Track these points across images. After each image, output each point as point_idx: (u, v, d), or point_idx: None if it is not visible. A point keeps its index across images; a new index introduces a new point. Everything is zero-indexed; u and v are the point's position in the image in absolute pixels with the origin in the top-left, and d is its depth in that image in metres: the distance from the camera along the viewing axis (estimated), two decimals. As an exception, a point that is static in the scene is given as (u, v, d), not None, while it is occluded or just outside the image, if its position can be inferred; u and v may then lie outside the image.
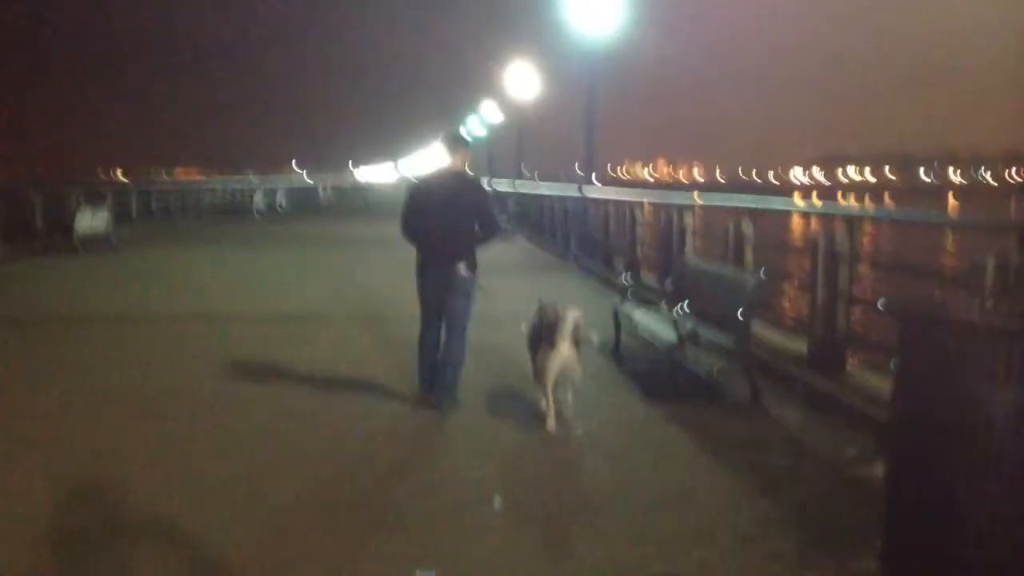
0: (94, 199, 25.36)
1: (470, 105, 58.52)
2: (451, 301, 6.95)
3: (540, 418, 6.65)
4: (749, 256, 9.37)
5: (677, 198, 13.42)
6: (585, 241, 18.71)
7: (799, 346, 8.05)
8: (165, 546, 4.59)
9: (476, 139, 53.52)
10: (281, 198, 46.75)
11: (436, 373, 7.08)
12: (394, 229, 7.36)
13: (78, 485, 5.44)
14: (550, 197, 25.15)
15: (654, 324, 8.09)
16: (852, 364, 7.33)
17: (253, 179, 58.15)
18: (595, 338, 6.94)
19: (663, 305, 8.78)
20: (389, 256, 10.91)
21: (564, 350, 6.57)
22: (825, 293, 7.40)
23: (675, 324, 7.48)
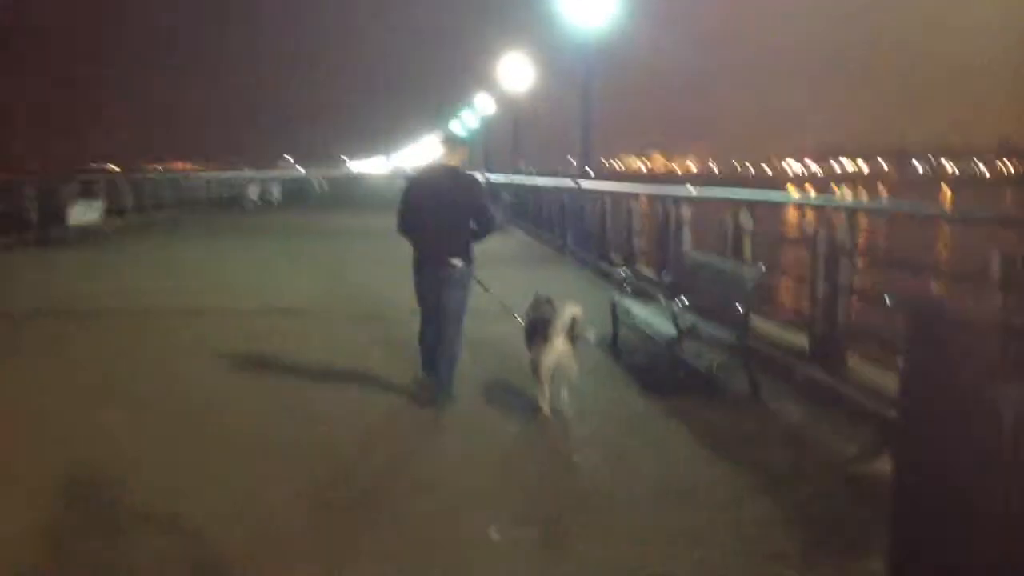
0: (87, 191, 25.25)
1: (463, 98, 58.50)
2: (446, 293, 6.92)
3: (537, 412, 6.64)
4: (748, 249, 9.29)
5: (673, 190, 13.32)
6: (582, 234, 18.61)
7: (799, 340, 7.98)
8: (159, 543, 4.49)
9: (470, 133, 53.49)
10: (275, 190, 46.63)
11: (436, 370, 7.05)
12: (387, 221, 7.37)
13: (70, 480, 5.35)
14: (546, 189, 25.07)
15: (652, 318, 8.02)
16: (853, 358, 7.24)
17: (247, 171, 58.05)
18: (592, 335, 6.88)
19: (661, 298, 8.70)
20: (382, 248, 10.86)
21: (559, 345, 6.55)
22: (826, 286, 7.32)
23: (674, 318, 7.40)
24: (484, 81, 47.27)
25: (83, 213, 21.62)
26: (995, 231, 7.83)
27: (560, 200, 21.69)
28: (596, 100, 20.85)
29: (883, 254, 9.97)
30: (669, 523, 4.71)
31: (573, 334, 6.63)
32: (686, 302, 7.70)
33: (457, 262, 6.88)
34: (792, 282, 11.72)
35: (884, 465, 5.26)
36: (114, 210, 26.55)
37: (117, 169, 65.15)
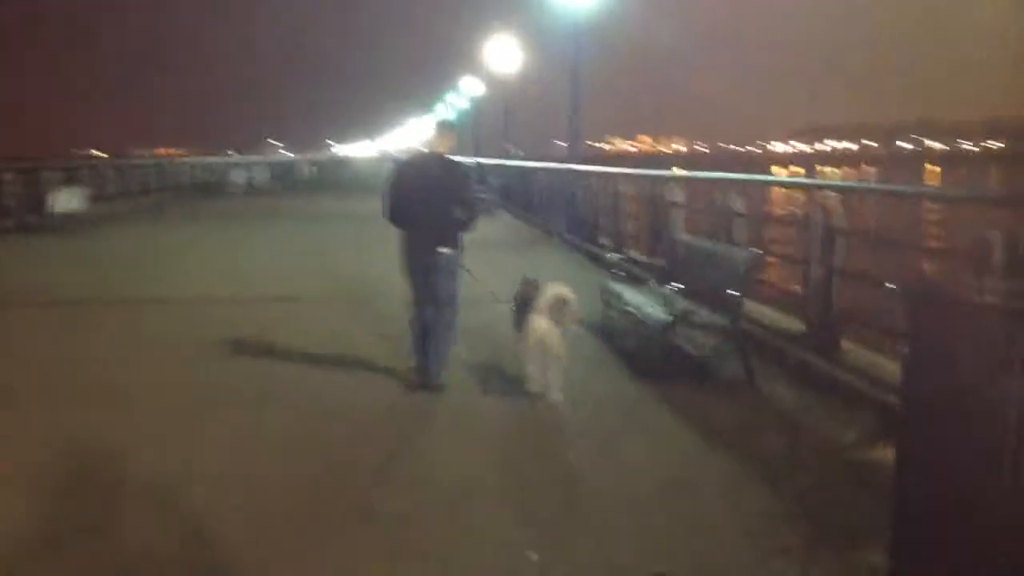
0: (70, 178, 24.94)
1: (451, 81, 58.22)
2: (439, 282, 6.89)
3: (529, 398, 6.59)
4: (740, 232, 9.16)
5: (663, 172, 13.18)
6: (571, 217, 18.46)
7: (793, 324, 7.86)
8: (148, 538, 4.37)
9: (459, 116, 53.23)
10: (261, 174, 46.32)
11: (428, 351, 6.99)
12: (374, 204, 7.23)
13: (54, 474, 5.23)
14: (535, 172, 24.93)
15: (644, 302, 7.89)
16: (848, 342, 7.12)
17: (233, 155, 57.74)
18: (575, 318, 6.78)
19: (653, 283, 8.58)
20: (370, 232, 10.69)
21: (541, 324, 6.52)
22: (821, 269, 7.19)
23: (666, 302, 7.28)
24: (472, 64, 47.06)
25: (66, 200, 21.30)
26: (985, 210, 7.74)
27: (549, 183, 21.54)
28: (585, 83, 20.71)
29: (874, 235, 9.83)
30: (667, 516, 4.60)
31: (560, 314, 6.57)
32: (678, 286, 7.57)
33: (444, 250, 6.84)
34: (782, 264, 11.64)
35: (882, 452, 5.18)
36: (98, 196, 26.21)
37: (102, 155, 64.67)
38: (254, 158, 62.98)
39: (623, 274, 9.34)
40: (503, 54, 37.01)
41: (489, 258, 7.53)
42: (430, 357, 6.93)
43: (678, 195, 11.66)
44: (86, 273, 14.11)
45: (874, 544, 4.06)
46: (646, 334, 7.75)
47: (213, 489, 5.00)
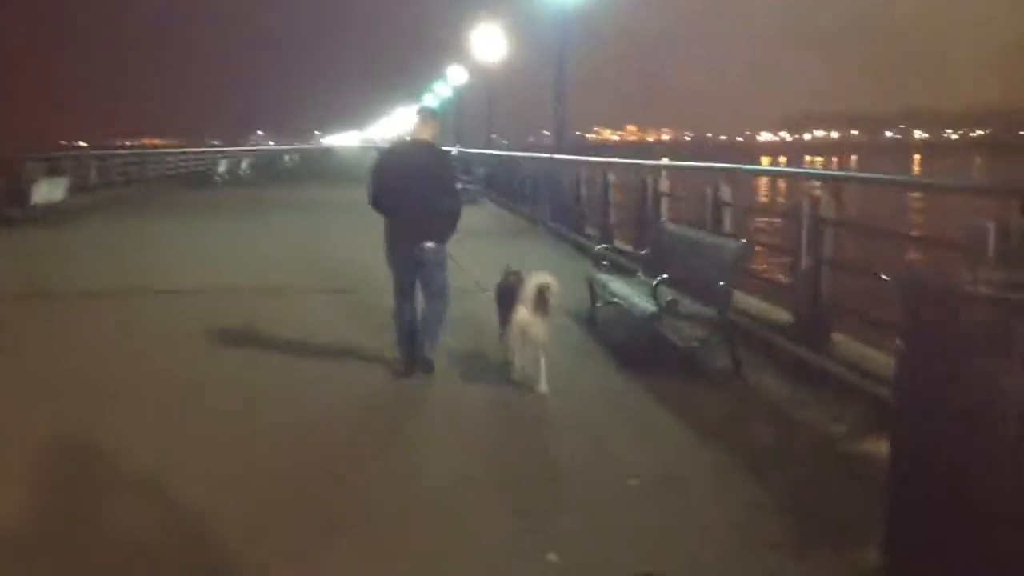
0: (53, 169, 24.66)
1: (436, 70, 57.98)
2: (428, 275, 6.91)
3: (513, 386, 6.59)
4: (728, 221, 9.07)
5: (650, 162, 13.07)
6: (557, 207, 18.36)
7: (782, 315, 7.78)
8: (133, 541, 4.26)
9: (443, 105, 53.03)
10: (245, 164, 46.01)
11: (419, 337, 6.98)
12: (360, 194, 7.16)
13: (37, 469, 5.14)
14: (520, 161, 24.82)
15: (631, 293, 7.79)
16: (837, 333, 7.04)
17: (216, 144, 57.42)
18: (557, 303, 6.75)
19: (640, 273, 8.49)
20: (356, 221, 10.59)
21: (524, 314, 6.47)
22: (809, 260, 7.10)
23: (653, 293, 7.18)
24: (457, 52, 46.82)
25: (48, 191, 21.04)
26: (971, 199, 7.68)
27: (534, 172, 21.43)
28: (572, 71, 20.62)
29: (863, 225, 9.76)
30: (657, 513, 4.50)
31: (543, 304, 6.51)
32: (665, 277, 7.47)
33: (430, 244, 6.82)
34: (770, 254, 11.56)
35: (874, 444, 5.12)
36: (80, 187, 25.94)
37: (85, 146, 64.21)
38: (238, 148, 62.61)
39: (610, 264, 9.22)
40: (488, 43, 36.80)
41: (474, 248, 7.46)
42: (423, 344, 6.93)
43: (665, 184, 11.56)
44: (67, 265, 13.94)
45: (867, 538, 3.99)
46: (633, 325, 7.67)
47: (200, 483, 4.90)
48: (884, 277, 6.22)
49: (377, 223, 7.09)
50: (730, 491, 4.76)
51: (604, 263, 9.18)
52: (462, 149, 36.53)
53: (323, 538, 4.28)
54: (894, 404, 3.98)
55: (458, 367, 7.20)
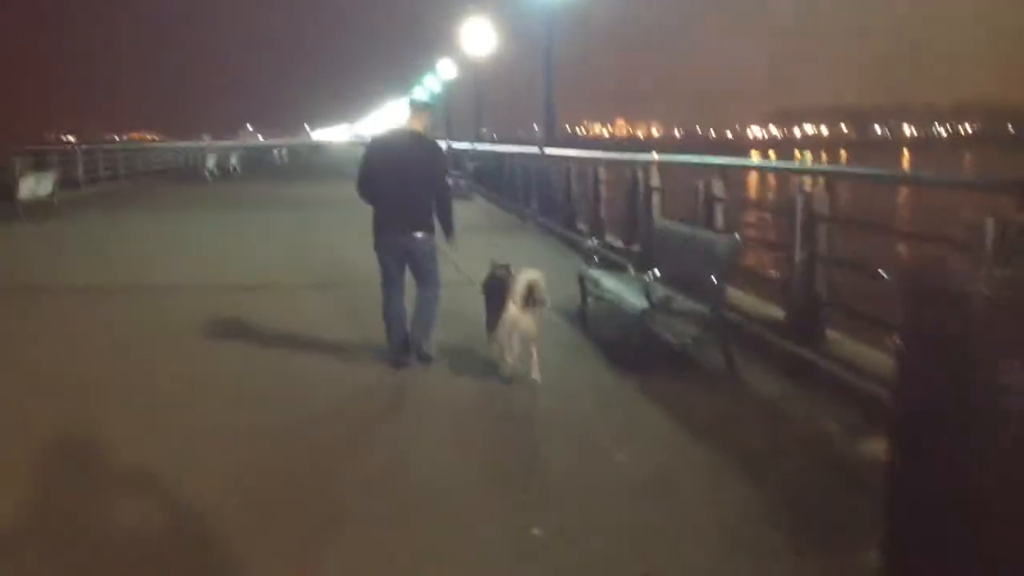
0: (38, 164, 24.44)
1: (426, 63, 57.77)
2: (418, 265, 6.94)
3: (503, 382, 6.58)
4: (721, 217, 8.97)
5: (641, 157, 12.94)
6: (547, 201, 18.24)
7: (775, 312, 7.68)
8: (126, 538, 4.21)
9: (433, 98, 52.85)
10: (234, 160, 45.73)
11: (411, 333, 7.00)
12: (350, 190, 7.18)
13: (30, 469, 5.07)
14: (510, 156, 24.70)
15: (622, 289, 7.70)
16: (831, 331, 6.96)
17: (206, 139, 57.09)
18: (547, 300, 6.68)
19: (631, 269, 8.39)
20: (346, 217, 10.51)
21: (514, 311, 6.45)
22: (803, 256, 7.01)
23: (645, 289, 7.08)
24: (446, 45, 46.65)
25: (34, 186, 20.83)
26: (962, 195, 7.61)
27: (524, 167, 21.31)
28: (561, 65, 20.52)
29: (857, 220, 9.67)
30: (650, 515, 4.41)
31: (532, 300, 6.50)
32: (657, 273, 7.37)
33: (420, 234, 6.81)
34: (761, 249, 11.48)
35: (868, 444, 5.03)
36: (67, 182, 25.71)
37: (73, 140, 63.85)
38: (227, 143, 62.30)
39: (600, 260, 9.12)
40: (477, 36, 36.67)
41: (464, 243, 7.37)
42: (417, 331, 6.96)
43: (656, 179, 11.45)
44: (53, 261, 13.83)
45: (862, 539, 3.90)
46: (624, 322, 7.57)
47: (194, 480, 4.85)
48: (883, 275, 6.13)
49: (364, 219, 7.03)
50: (723, 493, 4.66)
51: (595, 259, 9.08)
52: (452, 144, 36.35)
53: (318, 535, 4.23)
54: (893, 404, 3.89)
55: (448, 362, 7.14)
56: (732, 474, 4.93)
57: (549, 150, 19.24)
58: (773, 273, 8.55)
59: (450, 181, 7.33)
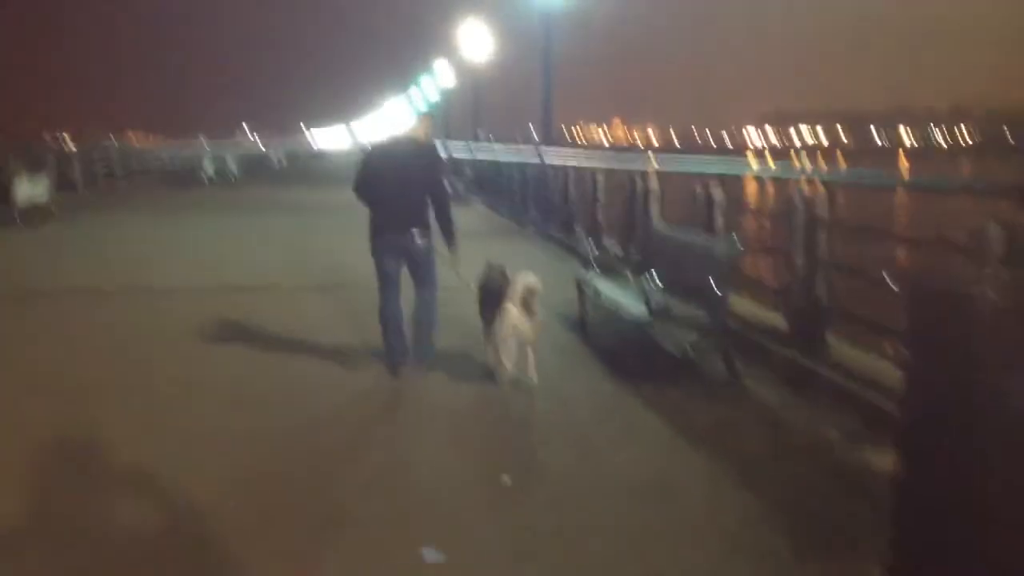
0: (33, 165, 24.33)
1: (423, 65, 57.73)
2: (416, 266, 6.92)
3: (500, 386, 6.57)
4: (720, 222, 8.91)
5: (639, 163, 12.91)
6: (546, 206, 18.19)
7: (776, 319, 7.62)
8: (125, 541, 4.18)
9: (429, 103, 52.84)
10: (232, 164, 45.62)
11: (414, 335, 7.02)
12: (349, 196, 7.16)
13: (29, 471, 5.05)
14: (508, 161, 24.66)
15: (621, 296, 7.65)
16: (833, 338, 6.90)
17: (204, 143, 56.96)
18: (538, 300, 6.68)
19: (630, 275, 8.33)
20: (345, 222, 10.47)
21: (513, 313, 6.46)
22: (804, 261, 6.96)
23: (644, 296, 7.02)
24: (445, 48, 46.65)
25: (28, 189, 20.70)
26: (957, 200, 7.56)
27: (522, 171, 21.26)
28: (558, 68, 20.51)
29: (857, 224, 9.62)
30: (649, 522, 4.36)
31: (529, 302, 6.53)
32: (657, 279, 7.31)
33: (419, 235, 6.81)
34: (761, 256, 11.42)
35: (871, 453, 4.99)
36: (63, 185, 25.60)
37: (71, 141, 63.78)
38: (227, 147, 62.21)
39: (599, 266, 9.06)
40: (475, 39, 36.71)
41: (462, 248, 7.33)
42: (422, 333, 6.99)
43: (654, 184, 11.40)
44: (51, 264, 13.76)
45: (864, 549, 3.89)
46: (623, 328, 7.51)
47: (188, 484, 4.81)
48: (889, 281, 6.07)
49: (362, 224, 6.99)
50: (723, 500, 4.63)
51: (593, 265, 9.02)
52: (452, 153, 36.32)
53: (317, 537, 4.22)
54: (898, 409, 3.84)
55: (445, 367, 7.10)
56: (732, 480, 4.89)
57: (548, 156, 19.22)
58: (773, 278, 8.47)
59: (449, 188, 7.34)
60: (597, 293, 8.10)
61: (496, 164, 27.24)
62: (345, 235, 10.45)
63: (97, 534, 4.23)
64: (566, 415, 6.12)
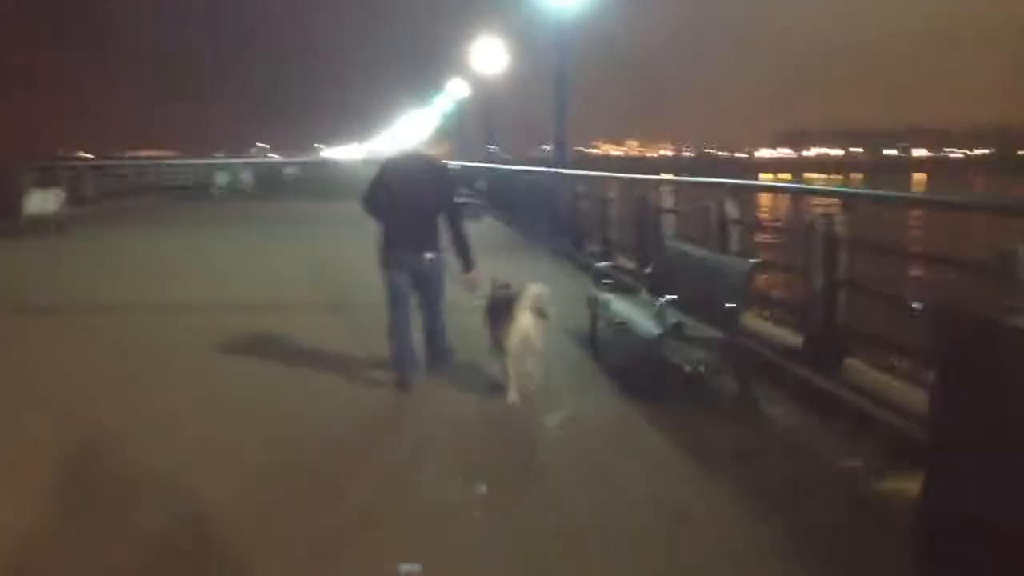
0: (45, 179, 24.33)
1: (438, 81, 57.88)
2: (427, 283, 6.94)
3: (509, 402, 6.50)
4: (736, 240, 8.72)
5: (656, 178, 12.74)
6: (558, 222, 18.02)
7: (794, 339, 7.41)
8: (127, 555, 4.13)
9: (445, 118, 52.96)
10: (245, 177, 45.67)
11: (427, 344, 7.16)
12: (358, 209, 7.12)
13: (40, 482, 5.04)
14: (519, 175, 24.57)
15: (633, 314, 7.45)
16: (851, 360, 6.68)
17: (218, 157, 57.19)
18: (551, 312, 6.55)
19: (643, 293, 8.14)
20: (357, 236, 10.31)
21: (524, 322, 6.44)
22: (822, 280, 6.76)
23: (657, 314, 6.83)
24: (459, 65, 46.74)
25: (40, 202, 20.67)
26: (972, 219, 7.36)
27: (534, 187, 21.13)
28: (573, 85, 20.37)
29: (880, 244, 9.40)
30: (662, 555, 4.18)
31: (538, 311, 6.52)
32: (670, 297, 7.12)
33: (430, 255, 6.82)
34: (777, 272, 11.21)
35: (893, 481, 4.78)
36: (75, 199, 25.56)
37: (87, 156, 64.12)
38: (239, 161, 62.40)
39: (611, 283, 8.86)
40: (489, 55, 36.73)
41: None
42: (436, 341, 7.14)
43: (669, 200, 11.22)
44: (58, 278, 13.64)
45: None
46: (636, 347, 7.31)
47: (198, 497, 4.79)
48: (914, 305, 5.86)
49: (373, 237, 6.97)
50: (740, 532, 4.42)
51: (605, 282, 8.82)
52: (463, 164, 36.27)
53: (327, 550, 4.21)
54: (926, 440, 3.64)
55: (453, 382, 7.04)
56: (752, 512, 4.68)
57: (561, 171, 19.07)
58: (790, 297, 8.26)
59: (461, 200, 7.32)
60: (609, 310, 7.91)
61: (508, 178, 27.14)
62: (356, 248, 10.37)
63: (106, 542, 4.25)
64: (579, 438, 5.94)
